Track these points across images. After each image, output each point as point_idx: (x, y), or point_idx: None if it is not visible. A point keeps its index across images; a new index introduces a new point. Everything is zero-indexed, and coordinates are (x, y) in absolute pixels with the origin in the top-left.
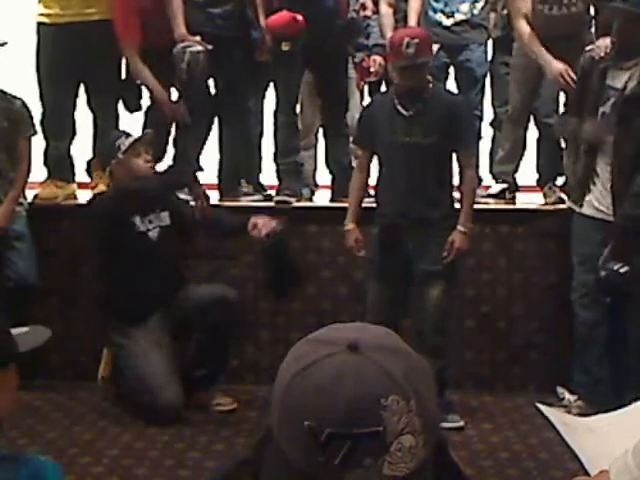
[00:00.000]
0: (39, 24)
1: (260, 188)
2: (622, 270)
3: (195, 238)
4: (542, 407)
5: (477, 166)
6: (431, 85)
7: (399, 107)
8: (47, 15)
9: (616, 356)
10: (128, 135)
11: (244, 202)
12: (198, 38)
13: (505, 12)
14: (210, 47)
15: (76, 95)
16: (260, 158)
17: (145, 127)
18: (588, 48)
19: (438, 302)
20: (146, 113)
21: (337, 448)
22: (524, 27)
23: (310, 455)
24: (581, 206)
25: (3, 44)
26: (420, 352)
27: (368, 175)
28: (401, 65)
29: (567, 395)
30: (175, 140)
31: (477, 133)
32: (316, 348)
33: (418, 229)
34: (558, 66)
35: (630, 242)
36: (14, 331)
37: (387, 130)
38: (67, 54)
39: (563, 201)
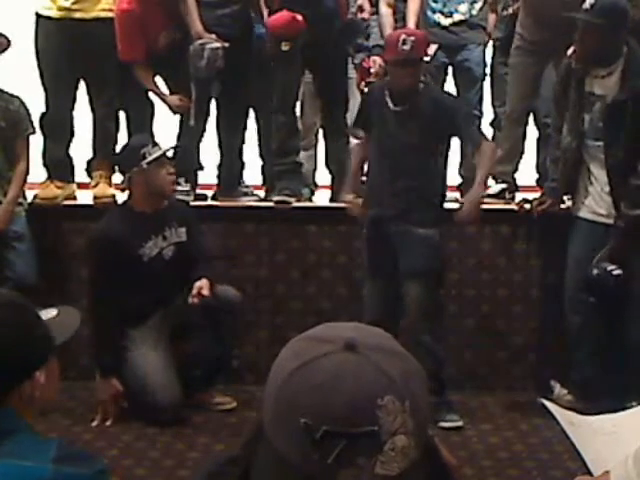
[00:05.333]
0: (40, 16)
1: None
2: (615, 272)
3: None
4: (547, 403)
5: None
6: (423, 85)
7: (389, 101)
8: (51, 8)
9: (608, 356)
10: (155, 144)
11: (244, 202)
12: (214, 36)
13: (504, 13)
14: (227, 44)
15: (76, 93)
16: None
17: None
18: (569, 53)
19: (418, 302)
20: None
21: (332, 446)
22: None
23: (304, 452)
24: (578, 209)
25: (6, 49)
26: (413, 352)
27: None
28: (395, 60)
29: (558, 388)
30: (178, 137)
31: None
32: (314, 346)
33: (401, 226)
34: None
35: (629, 244)
36: (43, 314)
37: (377, 124)
38: (70, 50)
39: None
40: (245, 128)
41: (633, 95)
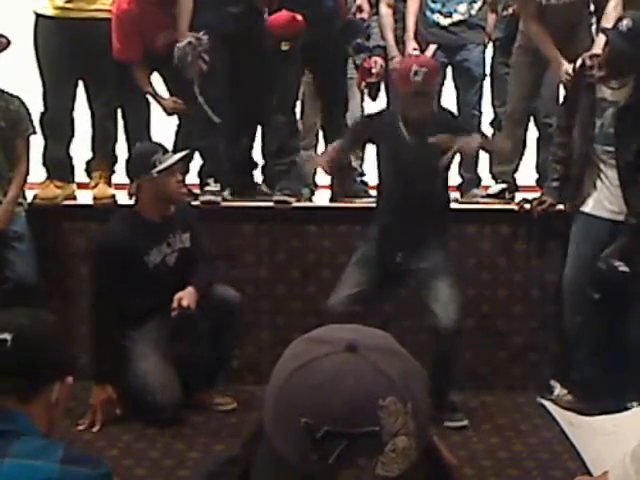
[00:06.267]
0: (39, 16)
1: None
2: (622, 269)
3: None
4: (546, 403)
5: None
6: (437, 112)
7: (403, 130)
8: (50, 8)
9: (608, 356)
10: (165, 151)
11: (244, 202)
12: (201, 34)
13: (505, 13)
14: (205, 38)
15: (75, 94)
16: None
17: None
18: (578, 63)
19: (453, 297)
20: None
21: (332, 447)
22: (534, 28)
23: (304, 453)
24: (586, 205)
25: (5, 48)
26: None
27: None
28: (408, 92)
29: (558, 388)
30: (177, 135)
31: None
32: (314, 347)
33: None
34: (566, 66)
35: (638, 242)
36: None
37: (390, 154)
38: (69, 50)
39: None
40: (253, 128)
41: None
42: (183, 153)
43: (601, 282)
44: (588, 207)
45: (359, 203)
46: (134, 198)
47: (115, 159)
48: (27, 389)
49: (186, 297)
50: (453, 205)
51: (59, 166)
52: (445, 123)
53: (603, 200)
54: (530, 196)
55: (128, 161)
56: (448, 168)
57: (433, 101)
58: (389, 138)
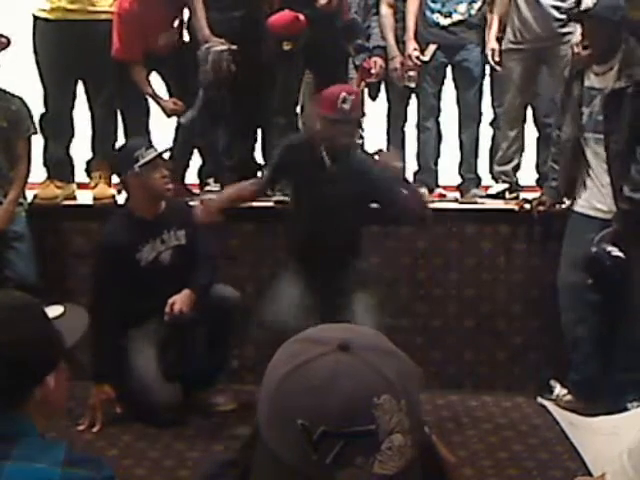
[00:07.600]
0: (37, 18)
1: None
2: (614, 254)
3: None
4: (547, 403)
5: None
6: (356, 144)
7: (325, 159)
8: (49, 10)
9: (608, 355)
10: (149, 147)
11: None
12: (222, 39)
13: None
14: (234, 47)
15: (75, 94)
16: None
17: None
18: (569, 56)
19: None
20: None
21: (330, 447)
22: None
23: (302, 453)
24: (576, 204)
25: (7, 46)
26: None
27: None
28: (334, 118)
29: (558, 388)
30: (175, 134)
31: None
32: (307, 348)
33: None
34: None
35: (632, 228)
36: (49, 311)
37: (310, 182)
38: (68, 51)
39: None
40: (256, 130)
41: (631, 83)
42: (164, 147)
43: (593, 266)
44: (579, 207)
45: None
46: (125, 196)
47: None
48: (15, 389)
49: (179, 301)
50: (453, 205)
51: (59, 166)
52: (365, 170)
53: (592, 200)
54: (530, 196)
55: (115, 158)
56: (368, 197)
57: (357, 129)
58: (309, 168)
